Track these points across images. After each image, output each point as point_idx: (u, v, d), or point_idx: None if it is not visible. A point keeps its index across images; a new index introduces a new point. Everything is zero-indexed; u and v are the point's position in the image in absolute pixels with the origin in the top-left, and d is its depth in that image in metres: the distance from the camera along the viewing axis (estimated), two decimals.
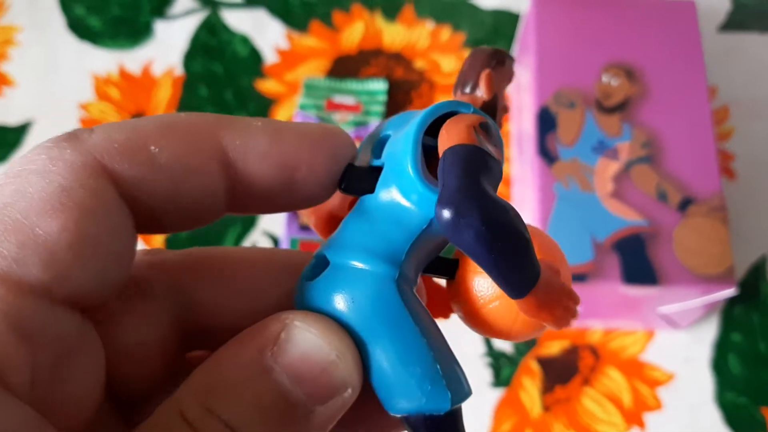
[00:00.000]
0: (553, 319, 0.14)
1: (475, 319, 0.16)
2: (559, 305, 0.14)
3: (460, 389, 0.14)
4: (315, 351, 0.13)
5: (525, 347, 0.41)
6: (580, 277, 0.35)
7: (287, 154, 0.15)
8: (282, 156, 0.15)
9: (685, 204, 0.36)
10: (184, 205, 0.15)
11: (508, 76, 0.17)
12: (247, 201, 0.15)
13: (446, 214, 0.13)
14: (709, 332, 0.41)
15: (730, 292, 0.35)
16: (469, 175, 0.13)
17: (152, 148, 0.14)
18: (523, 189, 0.40)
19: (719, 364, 0.41)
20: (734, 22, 0.49)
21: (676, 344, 0.41)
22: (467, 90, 0.16)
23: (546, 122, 0.38)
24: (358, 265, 0.14)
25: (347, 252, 0.15)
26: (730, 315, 0.42)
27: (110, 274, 0.14)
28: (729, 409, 0.40)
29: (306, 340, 0.13)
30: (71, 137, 0.14)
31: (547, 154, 0.37)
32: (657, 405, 0.40)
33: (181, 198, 0.14)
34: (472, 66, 0.16)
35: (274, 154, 0.15)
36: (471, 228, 0.13)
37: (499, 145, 0.15)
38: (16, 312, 0.12)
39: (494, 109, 0.16)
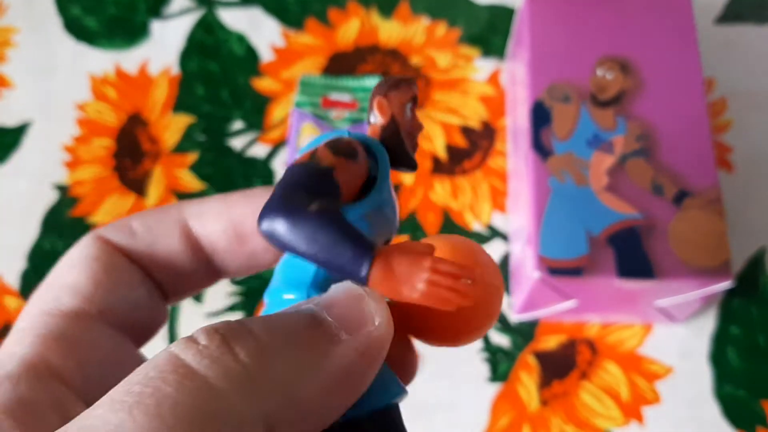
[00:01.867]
0: (421, 296, 0.14)
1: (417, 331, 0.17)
2: (414, 278, 0.14)
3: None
4: (345, 286, 0.14)
5: (522, 342, 0.41)
6: (575, 272, 0.35)
7: (237, 214, 0.19)
8: (232, 215, 0.19)
9: (680, 197, 0.36)
10: (165, 265, 0.19)
11: (408, 97, 0.17)
12: (217, 260, 0.19)
13: (259, 225, 0.14)
14: (707, 325, 0.41)
15: (726, 284, 0.35)
16: (283, 188, 0.14)
17: (132, 223, 0.19)
18: (519, 183, 0.40)
19: (718, 357, 0.41)
20: (731, 14, 0.48)
21: (674, 338, 0.41)
22: (370, 119, 0.17)
23: (540, 116, 0.38)
24: (287, 296, 0.16)
25: (276, 289, 0.16)
26: (729, 308, 0.42)
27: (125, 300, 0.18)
28: (728, 403, 0.40)
29: (340, 286, 0.15)
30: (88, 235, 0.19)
31: (541, 148, 0.37)
32: (655, 399, 0.40)
33: (159, 258, 0.19)
34: (371, 97, 0.17)
35: (224, 214, 0.19)
36: (273, 233, 0.14)
37: (370, 159, 0.16)
38: (54, 329, 0.16)
39: (396, 130, 0.17)
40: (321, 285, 0.15)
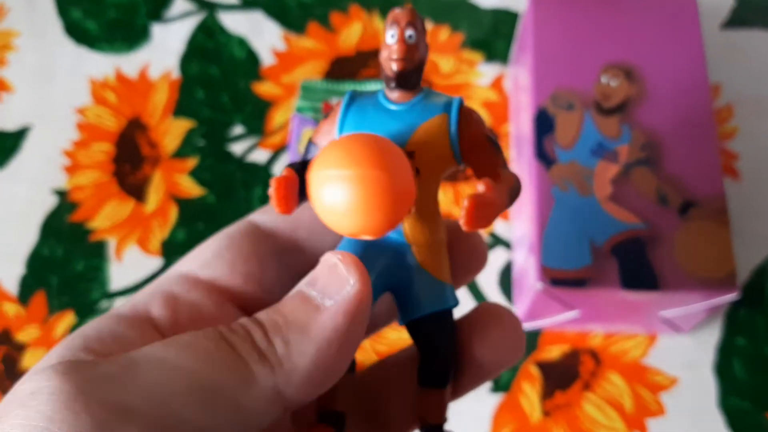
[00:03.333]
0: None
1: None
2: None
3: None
4: (323, 262, 0.17)
5: (525, 352, 0.41)
6: (578, 282, 0.34)
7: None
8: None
9: (685, 207, 0.35)
10: (304, 243, 0.22)
11: (388, 24, 0.19)
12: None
13: None
14: (712, 336, 0.41)
15: (732, 296, 0.34)
16: None
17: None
18: (523, 190, 0.40)
19: (723, 369, 0.40)
20: (738, 19, 0.48)
21: (679, 348, 0.40)
22: None
23: (544, 124, 0.37)
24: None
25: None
26: (735, 318, 0.41)
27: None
28: (733, 415, 0.39)
29: (320, 261, 0.18)
30: None
31: (544, 157, 0.37)
32: (659, 410, 0.39)
33: (300, 235, 0.22)
34: None
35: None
36: None
37: (334, 112, 0.20)
38: (166, 286, 0.20)
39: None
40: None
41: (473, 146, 0.19)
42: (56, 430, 0.14)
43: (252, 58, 0.48)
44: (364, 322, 0.17)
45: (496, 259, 0.43)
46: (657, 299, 0.35)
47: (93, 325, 0.18)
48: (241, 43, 0.49)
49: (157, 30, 0.49)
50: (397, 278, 0.19)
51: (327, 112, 0.21)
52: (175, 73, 0.48)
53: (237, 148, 0.46)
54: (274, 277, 0.21)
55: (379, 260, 0.19)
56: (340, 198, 0.17)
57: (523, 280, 0.38)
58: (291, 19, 0.49)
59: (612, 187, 0.36)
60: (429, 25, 0.49)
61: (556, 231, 0.35)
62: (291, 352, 0.16)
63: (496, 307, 0.21)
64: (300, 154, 0.44)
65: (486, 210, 0.17)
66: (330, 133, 0.19)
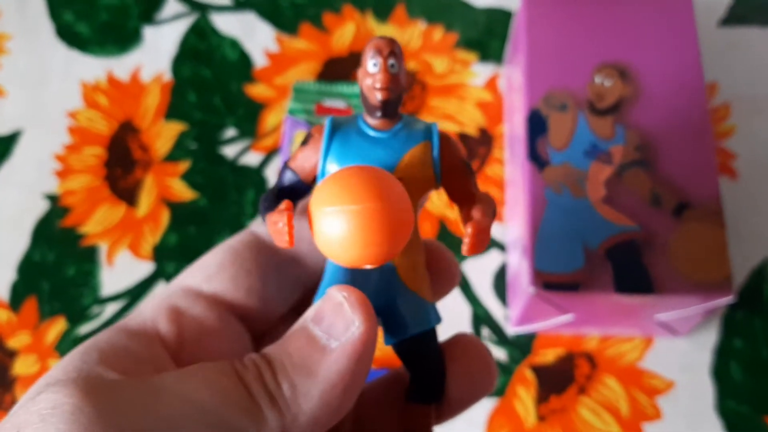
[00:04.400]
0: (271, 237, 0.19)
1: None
2: (268, 225, 0.19)
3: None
4: (328, 296, 0.18)
5: (519, 355, 0.40)
6: (571, 286, 0.34)
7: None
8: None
9: (680, 209, 0.35)
10: (302, 260, 0.22)
11: (369, 54, 0.19)
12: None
13: None
14: (709, 338, 0.40)
15: (727, 300, 0.34)
16: None
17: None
18: (516, 192, 0.39)
19: (720, 372, 0.39)
20: (735, 16, 0.47)
21: (676, 351, 0.40)
22: None
23: (536, 125, 0.37)
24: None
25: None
26: (732, 320, 0.40)
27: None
28: (730, 418, 0.38)
29: (325, 296, 0.18)
30: None
31: (537, 158, 0.36)
32: (656, 414, 0.39)
33: (299, 252, 0.22)
34: None
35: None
36: None
37: (313, 139, 0.20)
38: (171, 300, 0.20)
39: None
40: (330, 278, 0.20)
41: (451, 170, 0.20)
42: None
43: (244, 59, 0.48)
44: (369, 362, 0.17)
45: (490, 261, 0.42)
46: (652, 303, 0.34)
47: (105, 339, 0.18)
48: (234, 44, 0.48)
49: (148, 32, 0.49)
50: (384, 299, 0.20)
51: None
52: (167, 76, 0.48)
53: (229, 151, 0.46)
54: (274, 290, 0.21)
55: (369, 282, 0.19)
56: (342, 233, 0.17)
57: (516, 283, 0.38)
58: (284, 20, 0.49)
59: (606, 189, 0.35)
60: (423, 25, 0.48)
61: (549, 234, 0.35)
62: (297, 395, 0.17)
63: (465, 338, 0.21)
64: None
65: (484, 235, 0.19)
66: (310, 159, 0.20)
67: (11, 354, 0.41)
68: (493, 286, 0.42)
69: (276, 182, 0.20)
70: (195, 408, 0.16)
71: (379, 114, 0.19)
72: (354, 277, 0.19)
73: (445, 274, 0.22)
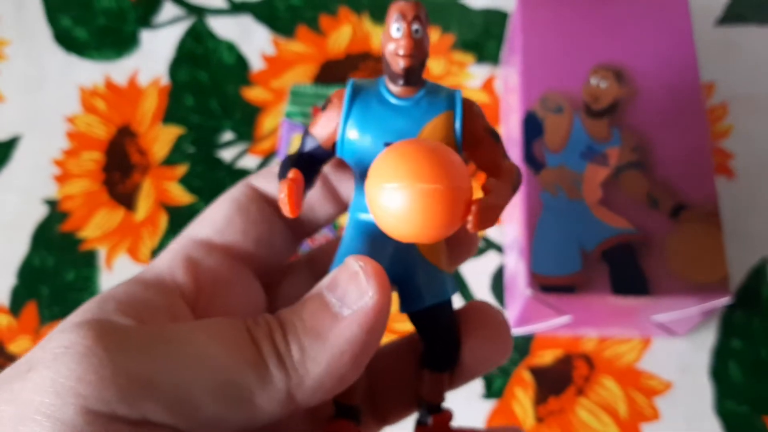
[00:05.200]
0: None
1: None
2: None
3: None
4: (344, 265, 0.18)
5: (517, 357, 0.40)
6: (568, 288, 0.34)
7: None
8: None
9: (677, 210, 0.35)
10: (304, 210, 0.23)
11: (391, 19, 0.19)
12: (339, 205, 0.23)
13: None
14: (708, 339, 0.40)
15: (725, 301, 0.34)
16: None
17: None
18: None
19: (719, 372, 0.39)
20: (732, 15, 0.47)
21: (674, 352, 0.40)
22: None
23: (532, 128, 0.37)
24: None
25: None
26: (730, 321, 0.40)
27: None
28: (729, 419, 0.38)
29: (342, 265, 0.18)
30: None
31: (533, 161, 0.36)
32: (654, 415, 0.39)
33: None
34: None
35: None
36: None
37: (332, 105, 0.20)
38: (186, 252, 0.20)
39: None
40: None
41: (475, 139, 0.20)
42: (82, 391, 0.15)
43: (241, 63, 0.48)
44: (380, 333, 0.17)
45: (488, 263, 0.42)
46: (649, 304, 0.34)
47: (122, 289, 0.18)
48: (230, 47, 0.49)
49: (146, 36, 0.49)
50: (402, 269, 0.20)
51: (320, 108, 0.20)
52: (164, 80, 0.48)
53: (226, 155, 0.46)
54: (281, 239, 0.21)
55: (387, 250, 0.19)
56: (409, 211, 0.17)
57: (514, 285, 0.38)
58: (280, 23, 0.49)
59: (602, 191, 0.35)
60: None
61: (545, 236, 0.35)
62: (305, 359, 0.17)
63: (483, 306, 0.21)
64: None
65: (490, 212, 0.18)
66: (329, 125, 0.19)
67: (12, 359, 0.42)
68: (491, 288, 0.42)
69: (298, 147, 0.20)
70: (203, 360, 0.16)
71: (401, 82, 0.19)
72: (373, 247, 0.19)
73: (463, 243, 0.22)
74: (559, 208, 0.35)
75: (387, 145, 0.19)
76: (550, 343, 0.40)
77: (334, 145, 0.20)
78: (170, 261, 0.20)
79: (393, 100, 0.19)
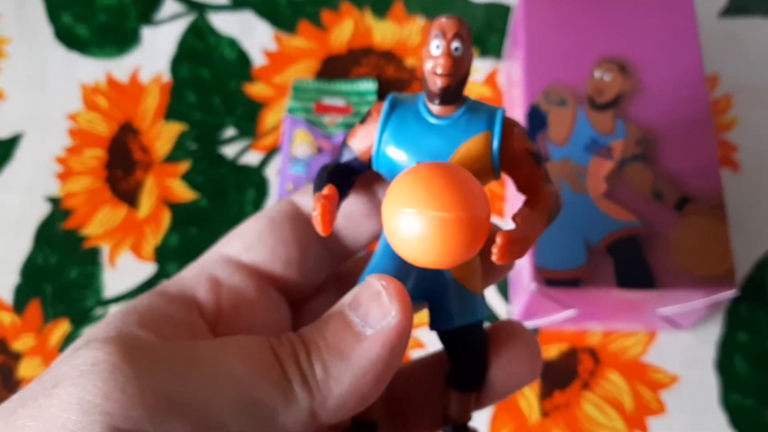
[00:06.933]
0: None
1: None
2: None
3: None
4: (366, 284, 0.18)
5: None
6: (573, 282, 0.34)
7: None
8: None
9: (682, 203, 0.35)
10: (343, 231, 0.22)
11: (432, 36, 0.18)
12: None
13: None
14: (713, 332, 0.40)
15: (730, 293, 0.33)
16: None
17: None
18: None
19: (724, 365, 0.39)
20: (736, 7, 0.47)
21: (679, 345, 0.40)
22: None
23: (536, 121, 0.37)
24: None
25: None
26: (736, 314, 0.40)
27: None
28: (735, 412, 0.38)
29: (364, 283, 0.18)
30: None
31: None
32: (660, 409, 0.39)
33: (339, 221, 0.22)
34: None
35: None
36: None
37: (371, 117, 0.19)
38: (211, 269, 0.20)
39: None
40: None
41: (514, 161, 0.19)
42: (109, 409, 0.15)
43: (243, 58, 0.48)
44: (402, 352, 0.17)
45: None
46: (654, 298, 0.34)
47: (145, 303, 0.18)
48: (232, 44, 0.48)
49: (147, 33, 0.49)
50: (432, 288, 0.19)
51: (343, 112, 0.21)
52: (166, 77, 0.48)
53: (229, 151, 0.45)
54: (312, 262, 0.21)
55: (414, 269, 0.19)
56: (422, 237, 0.17)
57: (518, 279, 0.38)
58: (282, 19, 0.49)
59: (606, 184, 0.35)
60: (421, 21, 0.48)
61: (549, 230, 0.34)
62: (329, 378, 0.17)
63: (511, 325, 0.21)
64: (292, 156, 0.44)
65: (518, 246, 0.17)
66: (367, 138, 0.19)
67: (16, 357, 0.42)
68: (497, 287, 0.42)
69: (335, 157, 0.20)
70: (228, 378, 0.16)
71: (437, 101, 0.18)
72: (402, 264, 0.19)
73: (495, 267, 0.21)
74: (563, 201, 0.35)
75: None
76: (555, 337, 0.40)
77: (370, 159, 0.19)
78: (195, 277, 0.20)
79: (431, 119, 0.19)
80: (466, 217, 0.16)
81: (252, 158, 0.45)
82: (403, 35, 0.48)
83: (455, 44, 0.17)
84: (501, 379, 0.20)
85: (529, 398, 0.39)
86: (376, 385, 0.17)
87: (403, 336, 0.17)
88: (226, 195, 0.45)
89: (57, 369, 0.16)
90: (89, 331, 0.17)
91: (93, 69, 0.48)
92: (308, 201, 0.21)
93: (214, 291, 0.19)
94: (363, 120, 0.19)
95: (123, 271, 0.43)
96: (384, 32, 0.48)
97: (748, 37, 0.46)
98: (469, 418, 0.21)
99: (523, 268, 0.36)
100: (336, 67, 0.47)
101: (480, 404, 0.21)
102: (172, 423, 0.15)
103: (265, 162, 0.45)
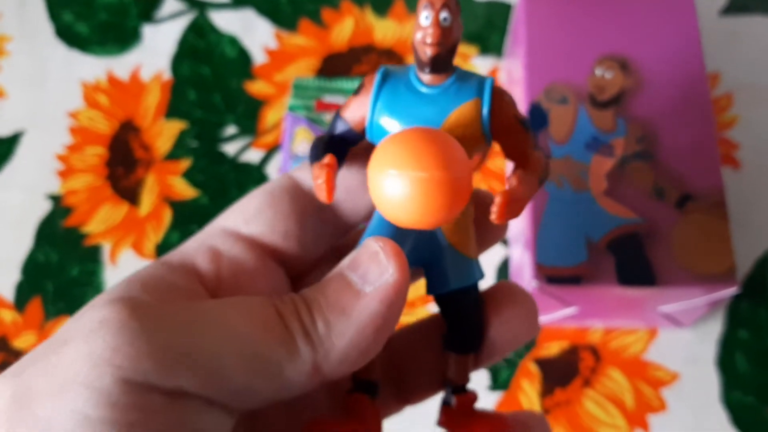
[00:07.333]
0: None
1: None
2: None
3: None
4: (364, 245, 0.18)
5: (523, 349, 0.40)
6: (574, 279, 0.34)
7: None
8: None
9: (683, 201, 0.35)
10: (341, 205, 0.22)
11: (421, 5, 0.19)
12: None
13: None
14: (714, 329, 0.40)
15: (731, 291, 0.33)
16: None
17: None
18: None
19: (725, 363, 0.39)
20: (737, 5, 0.47)
21: (680, 342, 0.40)
22: None
23: (537, 119, 0.37)
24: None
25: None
26: (737, 311, 0.40)
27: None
28: (736, 410, 0.38)
29: (362, 245, 0.18)
30: None
31: None
32: (661, 406, 0.39)
33: (338, 197, 0.22)
34: None
35: None
36: None
37: (364, 89, 0.20)
38: (212, 241, 0.20)
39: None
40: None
41: (504, 128, 0.20)
42: (119, 362, 0.15)
43: (244, 56, 0.48)
44: (400, 308, 0.18)
45: (493, 255, 0.42)
46: (655, 295, 0.34)
47: (147, 272, 0.19)
48: (233, 41, 0.48)
49: (147, 31, 0.49)
50: (427, 254, 0.20)
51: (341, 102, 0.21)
52: (167, 74, 0.48)
53: (230, 149, 0.46)
54: (311, 234, 0.22)
55: (411, 236, 0.20)
56: (403, 197, 0.17)
57: (519, 276, 0.38)
58: (282, 17, 0.49)
59: (607, 182, 0.35)
60: None
61: (550, 227, 0.35)
62: (330, 333, 0.17)
63: (510, 286, 0.22)
64: (293, 154, 0.44)
65: (516, 204, 0.18)
66: (360, 109, 0.20)
67: (17, 354, 0.42)
68: (496, 280, 0.42)
69: (328, 129, 0.20)
70: (233, 334, 0.17)
71: (428, 70, 0.19)
72: (397, 230, 0.19)
73: (490, 230, 0.22)
74: (564, 199, 0.35)
75: None
76: (556, 334, 0.40)
77: (363, 129, 0.20)
78: (196, 248, 0.20)
79: (421, 88, 0.19)
80: (445, 176, 0.17)
81: (253, 156, 0.45)
82: (404, 33, 0.48)
83: (443, 14, 0.18)
84: (499, 338, 0.21)
85: (530, 395, 0.39)
86: (375, 340, 0.18)
87: (400, 292, 0.18)
88: (227, 193, 0.45)
89: (65, 330, 0.16)
90: (95, 298, 0.18)
91: (94, 67, 0.48)
92: (306, 175, 0.21)
93: (215, 261, 0.20)
94: (356, 92, 0.20)
95: (124, 268, 0.43)
96: (385, 30, 0.48)
97: (748, 36, 0.46)
98: (467, 380, 0.21)
99: (524, 265, 0.36)
100: (337, 65, 0.47)
101: (479, 364, 0.22)
102: (179, 376, 0.16)
103: (265, 160, 0.45)
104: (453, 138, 0.18)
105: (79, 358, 0.15)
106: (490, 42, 0.47)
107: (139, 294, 0.18)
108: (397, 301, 0.18)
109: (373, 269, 0.18)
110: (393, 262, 0.18)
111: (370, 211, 0.22)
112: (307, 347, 0.17)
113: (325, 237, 0.22)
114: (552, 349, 0.40)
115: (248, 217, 0.21)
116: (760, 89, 0.44)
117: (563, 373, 0.40)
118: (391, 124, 0.19)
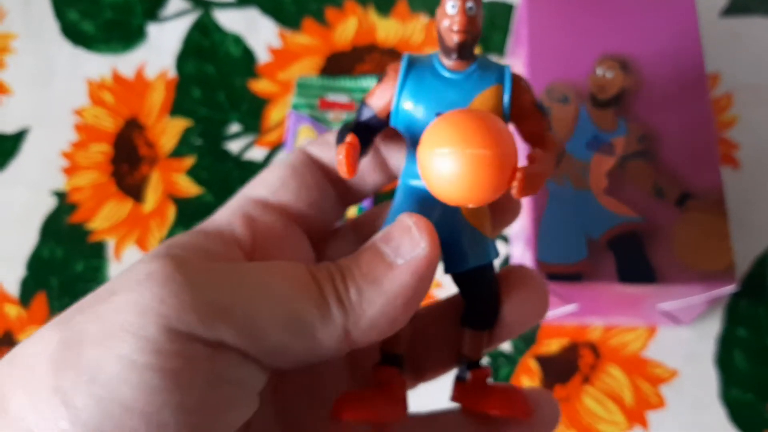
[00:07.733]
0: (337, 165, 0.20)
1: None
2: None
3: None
4: (399, 222, 0.19)
5: (524, 346, 0.41)
6: (574, 277, 0.34)
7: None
8: None
9: (683, 199, 0.35)
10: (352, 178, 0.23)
11: None
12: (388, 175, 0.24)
13: None
14: (713, 327, 0.40)
15: (730, 289, 0.34)
16: None
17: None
18: None
19: (724, 360, 0.40)
20: (737, 6, 0.47)
21: (679, 340, 0.40)
22: None
23: None
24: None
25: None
26: (735, 309, 0.41)
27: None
28: (734, 407, 0.39)
29: (396, 220, 0.19)
30: None
31: None
32: (660, 403, 0.39)
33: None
34: None
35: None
36: None
37: (388, 77, 0.21)
38: (244, 209, 0.21)
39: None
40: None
41: (522, 112, 0.21)
42: (164, 312, 0.16)
43: (248, 55, 0.48)
44: (429, 282, 0.19)
45: None
46: (654, 293, 0.35)
47: (185, 239, 0.20)
48: (237, 40, 0.49)
49: (152, 29, 0.49)
50: (447, 232, 0.21)
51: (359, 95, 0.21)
52: (171, 73, 0.48)
53: (234, 147, 0.46)
54: (331, 204, 0.23)
55: (433, 214, 0.20)
56: (456, 174, 0.18)
57: None
58: (286, 16, 0.49)
59: (608, 180, 0.35)
60: (425, 19, 0.49)
61: (551, 225, 0.35)
62: (362, 300, 0.18)
63: (521, 269, 0.23)
64: None
65: (535, 179, 0.19)
66: (385, 96, 0.21)
67: None
68: None
69: (355, 116, 0.21)
70: (271, 294, 0.18)
71: (454, 56, 0.20)
72: (421, 210, 0.20)
73: (506, 210, 0.23)
74: (565, 197, 0.35)
75: (438, 115, 0.20)
76: (556, 331, 0.41)
77: (388, 116, 0.21)
78: (230, 216, 0.21)
79: (446, 74, 0.20)
80: (498, 153, 0.18)
81: (256, 154, 0.46)
82: (407, 33, 0.48)
83: (469, 4, 0.19)
84: (512, 318, 0.22)
85: None
86: (404, 311, 0.19)
87: (431, 266, 0.19)
88: (231, 190, 0.45)
89: (114, 282, 0.17)
90: (139, 259, 0.19)
91: (99, 65, 0.49)
92: (321, 151, 0.23)
93: (249, 226, 0.21)
94: (380, 80, 0.21)
95: (128, 264, 0.43)
96: (388, 30, 0.48)
97: (748, 37, 0.46)
98: (481, 355, 0.22)
99: (524, 262, 0.36)
100: (340, 64, 0.48)
101: (492, 342, 0.23)
102: (220, 329, 0.17)
103: (269, 158, 0.46)
104: (501, 119, 0.19)
105: (126, 307, 0.16)
106: (492, 41, 0.47)
107: (183, 253, 0.18)
108: (427, 274, 0.19)
109: (405, 243, 0.19)
110: (425, 237, 0.19)
111: (375, 189, 0.24)
112: (339, 311, 0.18)
113: (339, 207, 0.24)
114: (552, 346, 0.40)
115: (275, 189, 0.22)
116: (759, 90, 0.45)
117: (563, 369, 0.40)
118: (416, 109, 0.20)
